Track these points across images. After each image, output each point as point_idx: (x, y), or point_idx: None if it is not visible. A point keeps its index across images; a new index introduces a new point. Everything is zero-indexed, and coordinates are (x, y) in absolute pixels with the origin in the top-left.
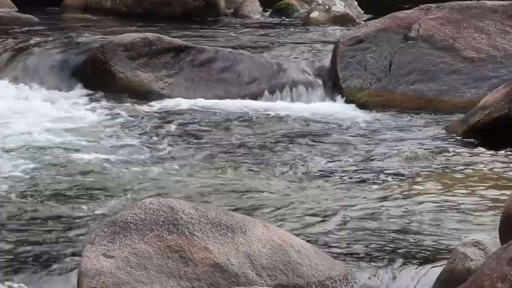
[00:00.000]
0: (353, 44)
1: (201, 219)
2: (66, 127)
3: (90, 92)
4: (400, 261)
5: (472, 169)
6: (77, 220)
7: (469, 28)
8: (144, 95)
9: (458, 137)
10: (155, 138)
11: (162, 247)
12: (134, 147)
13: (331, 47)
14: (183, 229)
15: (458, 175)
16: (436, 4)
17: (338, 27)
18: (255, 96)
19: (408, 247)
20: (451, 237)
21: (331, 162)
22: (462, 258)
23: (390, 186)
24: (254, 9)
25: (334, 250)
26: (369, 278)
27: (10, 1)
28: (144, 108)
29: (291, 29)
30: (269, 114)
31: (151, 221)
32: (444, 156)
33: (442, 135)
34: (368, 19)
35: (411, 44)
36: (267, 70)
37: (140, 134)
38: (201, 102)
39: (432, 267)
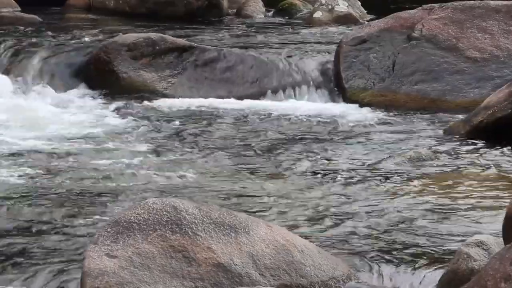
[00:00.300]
0: (356, 44)
1: (204, 219)
2: (68, 127)
3: (93, 92)
4: (403, 261)
5: (476, 169)
6: (80, 220)
7: (472, 28)
8: (147, 95)
9: (461, 137)
10: (158, 138)
11: (165, 247)
12: (137, 147)
13: (334, 47)
14: (186, 229)
15: (461, 175)
16: (439, 4)
17: (341, 27)
18: (258, 96)
19: (411, 248)
20: (455, 237)
21: (334, 162)
22: (465, 258)
23: (393, 186)
24: (257, 9)
25: (337, 250)
26: (372, 278)
27: (13, 1)
28: (148, 108)
29: (294, 29)
30: (272, 114)
31: (154, 221)
32: (447, 156)
33: (445, 135)
34: (371, 19)
35: (414, 44)
36: (270, 70)
37: (143, 134)
38: (204, 102)
39: (435, 267)
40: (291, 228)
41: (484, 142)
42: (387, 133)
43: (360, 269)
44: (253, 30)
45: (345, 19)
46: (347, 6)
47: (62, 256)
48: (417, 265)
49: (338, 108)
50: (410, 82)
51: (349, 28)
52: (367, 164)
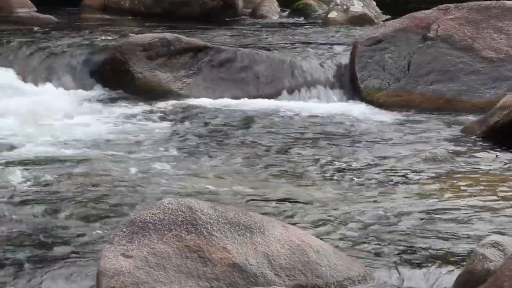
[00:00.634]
0: (372, 44)
1: (220, 219)
2: (84, 127)
3: (109, 91)
4: (419, 262)
5: (491, 169)
6: (96, 220)
7: (488, 28)
8: (162, 95)
9: (477, 138)
10: (173, 138)
11: (180, 247)
12: (152, 147)
13: (349, 47)
14: (202, 229)
15: (477, 176)
16: (455, 4)
17: (356, 27)
18: (273, 96)
19: (427, 248)
20: (470, 238)
21: (349, 162)
22: (481, 259)
23: (409, 187)
24: (272, 9)
25: (352, 250)
26: (388, 278)
27: (30, 1)
28: (163, 108)
29: (309, 29)
30: (287, 114)
31: (169, 221)
32: (463, 156)
33: (461, 136)
34: (387, 20)
35: (430, 44)
36: (285, 70)
37: (158, 134)
38: (219, 102)
39: (451, 268)
40: (307, 228)
41: (500, 142)
42: (403, 134)
43: (376, 269)
44: (268, 30)
45: (360, 19)
46: (362, 6)
47: (79, 256)
48: (432, 266)
49: (353, 108)
50: (426, 82)
51: (364, 28)
52: (382, 164)
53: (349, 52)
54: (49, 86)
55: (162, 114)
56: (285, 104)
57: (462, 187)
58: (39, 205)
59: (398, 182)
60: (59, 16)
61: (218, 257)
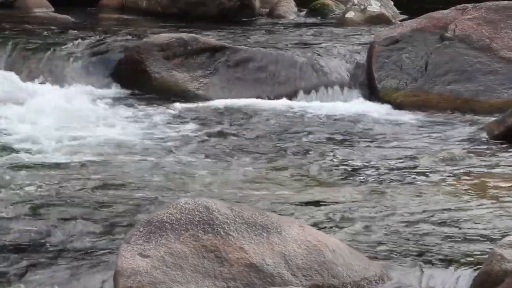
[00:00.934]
0: (389, 44)
1: (237, 219)
2: (101, 127)
3: (126, 91)
4: (436, 262)
5: (509, 170)
6: (113, 220)
7: (506, 28)
8: (179, 95)
9: (495, 138)
10: (190, 138)
11: (197, 247)
12: (169, 147)
13: (366, 47)
14: (219, 229)
15: (495, 176)
16: (472, 4)
17: (373, 27)
18: (290, 96)
19: (444, 248)
20: (488, 238)
21: (366, 162)
22: (499, 259)
23: (426, 187)
24: (289, 9)
25: (369, 250)
26: (405, 278)
27: (47, 1)
28: (180, 108)
29: (327, 29)
30: (304, 114)
31: (186, 221)
32: (481, 157)
33: (478, 136)
34: (404, 20)
35: (447, 44)
36: (302, 70)
37: (175, 134)
38: (236, 102)
39: (468, 269)
40: (324, 228)
41: None
42: (420, 134)
43: (392, 269)
44: (285, 30)
45: (378, 19)
46: (379, 6)
47: (96, 255)
48: (450, 266)
49: (371, 109)
50: (443, 82)
51: (382, 28)
52: (400, 164)
53: (366, 52)
54: (65, 85)
55: (178, 114)
56: (302, 104)
57: (479, 187)
58: (57, 207)
59: (415, 182)
60: (76, 16)
61: (235, 257)
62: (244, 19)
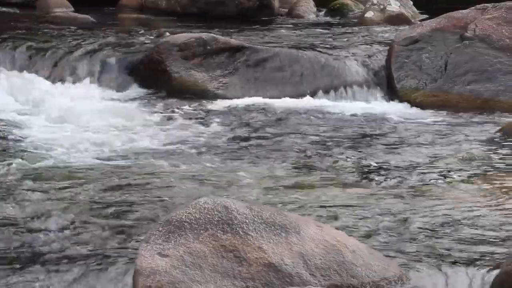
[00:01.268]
0: (408, 44)
1: (255, 219)
2: (121, 127)
3: (146, 91)
4: (456, 263)
5: None
6: (133, 219)
7: None
8: (199, 95)
9: None
10: (210, 138)
11: (216, 247)
12: (189, 146)
13: (385, 47)
14: (238, 228)
15: None
16: (492, 4)
17: (392, 27)
18: (309, 96)
19: (463, 249)
20: (508, 239)
21: (385, 162)
22: None
23: (445, 187)
24: (308, 9)
25: (388, 251)
26: (424, 279)
27: (67, 1)
28: (199, 107)
29: (346, 29)
30: (324, 114)
31: (205, 221)
32: (501, 157)
33: (498, 136)
34: (424, 19)
35: (467, 44)
36: (322, 70)
37: (195, 134)
38: (255, 101)
39: (488, 269)
40: (342, 228)
41: None
42: (439, 134)
43: (412, 270)
44: (304, 30)
45: (397, 19)
46: (399, 6)
47: (116, 255)
48: (469, 267)
49: (390, 108)
50: (463, 82)
51: (401, 28)
52: (419, 164)
53: (386, 52)
54: (85, 85)
55: (198, 114)
56: (321, 104)
57: (499, 188)
58: (79, 206)
59: (434, 183)
60: (96, 16)
61: (253, 257)
62: (263, 19)
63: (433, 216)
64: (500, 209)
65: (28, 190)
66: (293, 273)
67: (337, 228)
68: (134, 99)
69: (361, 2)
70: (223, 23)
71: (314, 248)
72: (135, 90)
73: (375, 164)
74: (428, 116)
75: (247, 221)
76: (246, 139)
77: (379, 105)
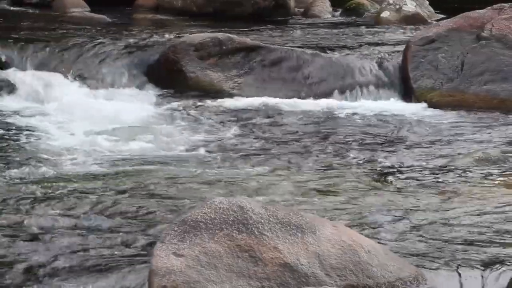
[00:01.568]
0: (425, 44)
1: (271, 219)
2: (137, 126)
3: (162, 91)
4: (471, 264)
5: None
6: (148, 219)
7: None
8: (214, 94)
9: None
10: (226, 137)
11: (232, 247)
12: (205, 146)
13: (401, 47)
14: (253, 228)
15: None
16: (509, 3)
17: (408, 27)
18: (325, 96)
19: (480, 249)
20: None
21: (401, 162)
22: None
23: (461, 187)
24: (324, 9)
25: (404, 251)
26: (440, 281)
27: (83, 1)
28: (215, 107)
29: (362, 29)
30: (340, 114)
31: (221, 221)
32: None
33: None
34: (440, 19)
35: (484, 44)
36: (337, 70)
37: (211, 134)
38: (271, 101)
39: (504, 270)
40: (358, 228)
41: None
42: (455, 134)
43: (428, 271)
44: (320, 30)
45: (413, 19)
46: (415, 6)
47: (131, 255)
48: (486, 267)
49: (406, 108)
50: (479, 82)
51: (417, 28)
52: (435, 164)
53: (402, 52)
54: (101, 85)
55: (213, 114)
56: (337, 104)
57: None
58: (97, 205)
59: (450, 183)
60: (112, 16)
61: (269, 257)
62: (279, 19)
63: (448, 216)
64: None
65: (43, 190)
66: (308, 273)
67: (361, 230)
68: (149, 99)
69: (377, 2)
70: (238, 23)
71: (330, 248)
72: (151, 89)
73: (390, 165)
74: (444, 116)
75: (262, 221)
76: (263, 139)
77: (395, 105)
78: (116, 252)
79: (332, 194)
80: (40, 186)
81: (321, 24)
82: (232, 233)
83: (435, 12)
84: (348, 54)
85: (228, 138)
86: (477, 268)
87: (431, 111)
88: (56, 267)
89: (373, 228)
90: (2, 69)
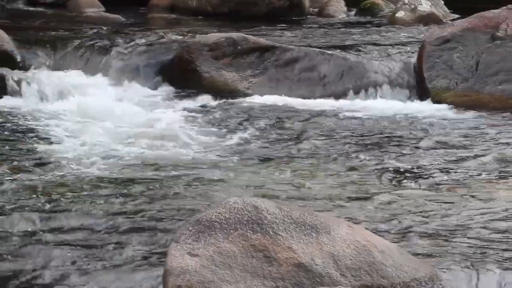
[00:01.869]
0: (440, 44)
1: (285, 219)
2: (152, 125)
3: (176, 91)
4: (487, 264)
5: None
6: (162, 219)
7: None
8: (229, 94)
9: None
10: (241, 137)
11: (246, 246)
12: (219, 146)
13: (416, 46)
14: (267, 228)
15: None
16: None
17: (423, 27)
18: (340, 96)
19: (495, 249)
20: None
21: (416, 163)
22: None
23: (477, 188)
24: (339, 9)
25: (419, 251)
26: (456, 280)
27: (98, 1)
28: (229, 107)
29: (376, 29)
30: (354, 114)
31: (235, 220)
32: None
33: None
34: (455, 19)
35: (499, 44)
36: (352, 70)
37: (225, 133)
38: (285, 101)
39: None
40: (373, 228)
41: None
42: (470, 134)
43: (443, 271)
44: (334, 30)
45: (428, 19)
46: (430, 6)
47: (146, 255)
48: (501, 268)
49: (421, 108)
50: (494, 82)
51: (432, 28)
52: (450, 164)
53: (417, 52)
54: (116, 84)
55: (228, 114)
56: (352, 104)
57: None
58: (113, 204)
59: (466, 183)
60: (127, 16)
61: (283, 257)
62: (294, 19)
63: (464, 216)
64: None
65: (60, 190)
66: (323, 273)
67: (377, 231)
68: (163, 98)
69: (392, 2)
70: (253, 23)
71: (345, 248)
72: (165, 89)
73: (406, 166)
74: (459, 116)
75: (277, 221)
76: (278, 140)
77: (410, 105)
78: (131, 253)
79: (342, 195)
80: (56, 186)
81: (336, 24)
82: (247, 233)
83: (450, 12)
84: (362, 54)
85: (244, 138)
86: (494, 268)
87: (446, 111)
88: (71, 267)
89: (387, 228)
90: (18, 69)
